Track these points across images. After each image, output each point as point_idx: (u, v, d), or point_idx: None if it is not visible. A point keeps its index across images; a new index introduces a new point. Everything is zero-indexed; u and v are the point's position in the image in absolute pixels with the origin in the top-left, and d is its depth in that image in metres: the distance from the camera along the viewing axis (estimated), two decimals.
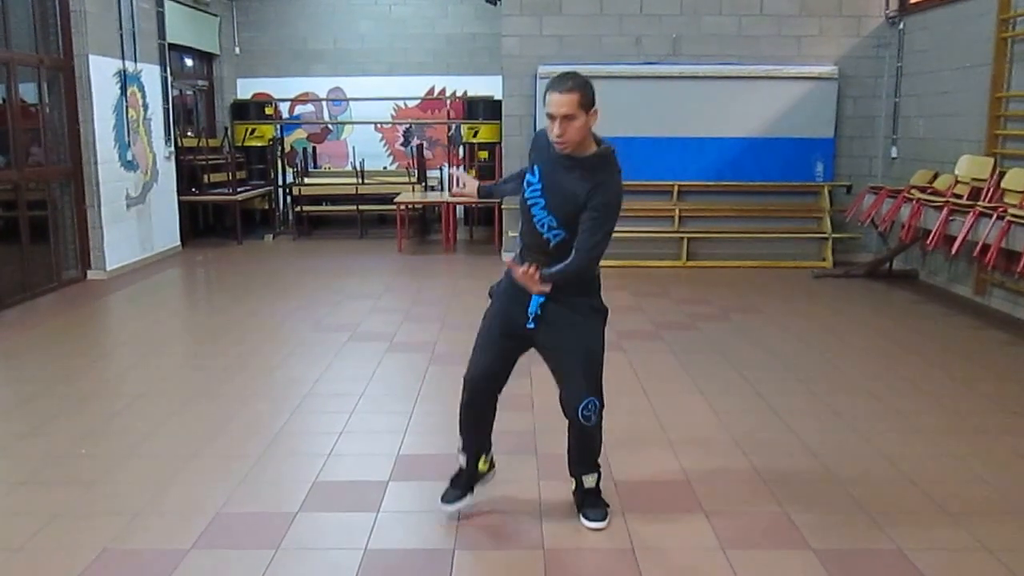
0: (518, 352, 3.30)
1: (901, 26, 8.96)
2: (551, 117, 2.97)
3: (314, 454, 4.03)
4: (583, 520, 3.32)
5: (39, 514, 3.40)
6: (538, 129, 3.32)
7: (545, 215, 3.07)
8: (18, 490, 3.67)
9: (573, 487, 3.40)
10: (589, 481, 3.35)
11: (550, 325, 3.15)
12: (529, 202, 3.11)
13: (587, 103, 2.96)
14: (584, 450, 3.31)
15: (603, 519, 3.31)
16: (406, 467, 3.86)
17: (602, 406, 3.19)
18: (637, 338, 6.17)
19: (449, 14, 12.32)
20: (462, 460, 3.42)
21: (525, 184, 3.14)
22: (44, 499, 3.55)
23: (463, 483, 3.42)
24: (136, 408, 4.71)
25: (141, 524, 3.33)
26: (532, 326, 3.16)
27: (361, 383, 5.12)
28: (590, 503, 3.35)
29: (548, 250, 3.10)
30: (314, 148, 12.66)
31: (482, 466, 3.46)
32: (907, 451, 4.04)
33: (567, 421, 3.26)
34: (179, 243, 10.40)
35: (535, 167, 3.12)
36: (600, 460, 3.38)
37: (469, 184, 3.54)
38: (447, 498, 3.40)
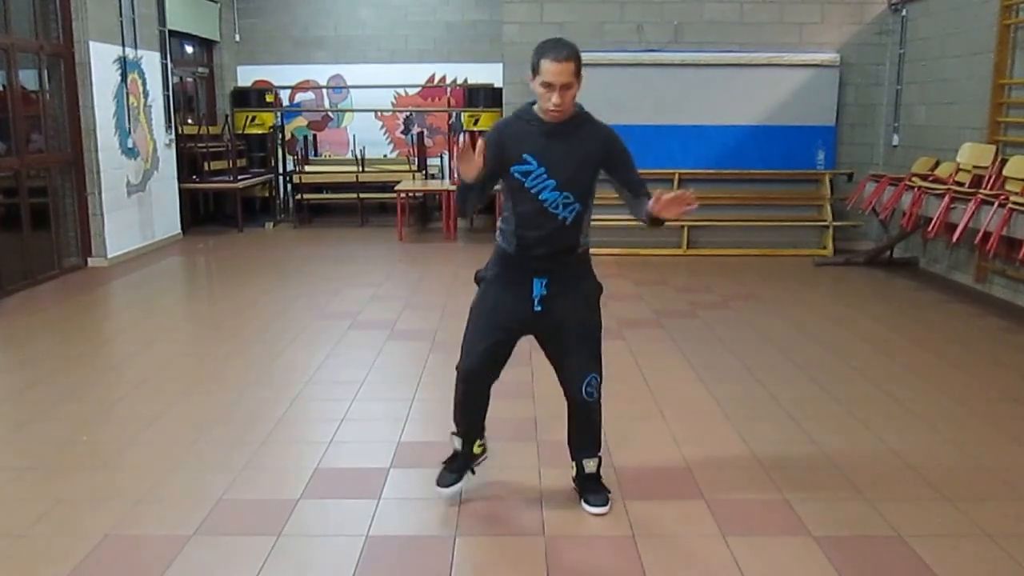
0: (516, 339, 3.30)
1: (904, 13, 8.92)
2: (549, 86, 2.96)
3: (315, 441, 4.04)
4: (585, 506, 3.33)
5: (42, 500, 3.41)
6: (496, 122, 3.27)
7: (559, 195, 3.06)
8: (21, 476, 3.68)
9: (573, 472, 3.41)
10: (590, 466, 3.35)
11: (556, 305, 3.16)
12: (535, 190, 3.07)
13: (579, 71, 3.01)
14: (587, 430, 3.32)
15: (605, 504, 3.32)
16: (407, 454, 3.87)
17: (601, 381, 3.24)
18: (637, 326, 6.17)
19: (450, 1, 12.26)
20: (456, 444, 3.44)
21: (521, 176, 3.07)
22: (47, 485, 3.57)
23: (458, 466, 3.44)
24: (138, 395, 4.72)
25: (143, 510, 3.34)
26: (540, 308, 3.15)
27: (362, 371, 5.13)
28: (591, 488, 3.36)
29: (564, 228, 3.09)
30: (314, 136, 12.64)
31: (476, 449, 3.47)
32: (907, 437, 4.05)
33: (567, 406, 3.28)
34: (180, 231, 10.40)
35: (525, 156, 3.07)
36: (601, 445, 3.39)
37: (476, 161, 2.99)
38: (443, 481, 3.41)
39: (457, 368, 3.32)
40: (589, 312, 3.23)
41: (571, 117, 3.09)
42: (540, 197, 3.07)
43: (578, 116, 3.12)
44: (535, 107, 3.12)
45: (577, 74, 2.99)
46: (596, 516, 3.29)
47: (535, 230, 3.11)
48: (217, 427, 4.22)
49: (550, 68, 2.94)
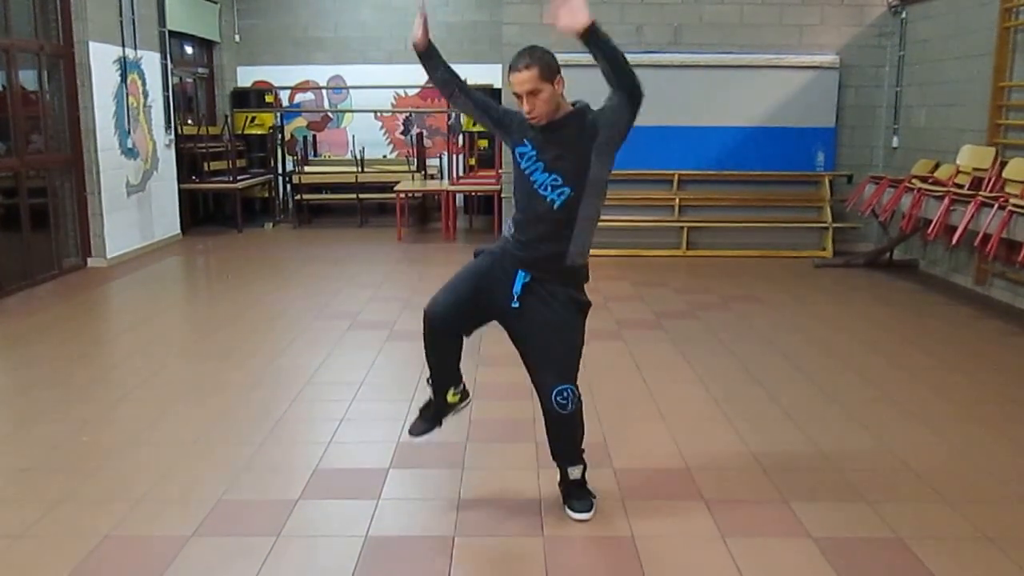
0: (482, 317, 3.25)
1: (903, 15, 8.93)
2: (518, 96, 3.03)
3: (315, 442, 4.04)
4: (568, 511, 3.28)
5: (41, 501, 3.41)
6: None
7: (547, 176, 3.07)
8: (20, 477, 3.68)
9: (558, 478, 3.36)
10: (574, 473, 3.30)
11: (528, 311, 3.12)
12: (527, 171, 3.11)
13: (549, 74, 3.01)
14: (564, 440, 3.26)
15: (589, 510, 3.26)
16: (406, 455, 3.87)
17: (579, 396, 3.14)
18: (637, 327, 6.17)
19: (450, 2, 12.28)
20: (429, 391, 3.41)
21: (518, 156, 3.13)
22: (46, 486, 3.56)
23: (431, 415, 3.41)
24: (137, 396, 4.72)
25: (143, 511, 3.34)
26: (516, 305, 3.12)
27: (362, 371, 5.13)
28: (576, 495, 3.31)
29: (552, 214, 3.07)
30: (314, 136, 12.65)
31: (451, 398, 3.40)
32: (907, 440, 4.05)
33: (542, 412, 3.21)
34: (179, 231, 10.40)
35: (526, 140, 3.11)
36: (585, 453, 3.32)
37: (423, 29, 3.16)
38: (414, 429, 3.41)
39: (424, 310, 3.24)
40: (566, 328, 3.14)
41: (567, 115, 3.09)
42: (532, 178, 3.09)
43: (575, 113, 3.11)
44: None
45: (545, 78, 2.98)
46: (580, 522, 3.24)
47: (532, 211, 3.12)
48: (217, 427, 4.22)
49: (512, 79, 3.02)
